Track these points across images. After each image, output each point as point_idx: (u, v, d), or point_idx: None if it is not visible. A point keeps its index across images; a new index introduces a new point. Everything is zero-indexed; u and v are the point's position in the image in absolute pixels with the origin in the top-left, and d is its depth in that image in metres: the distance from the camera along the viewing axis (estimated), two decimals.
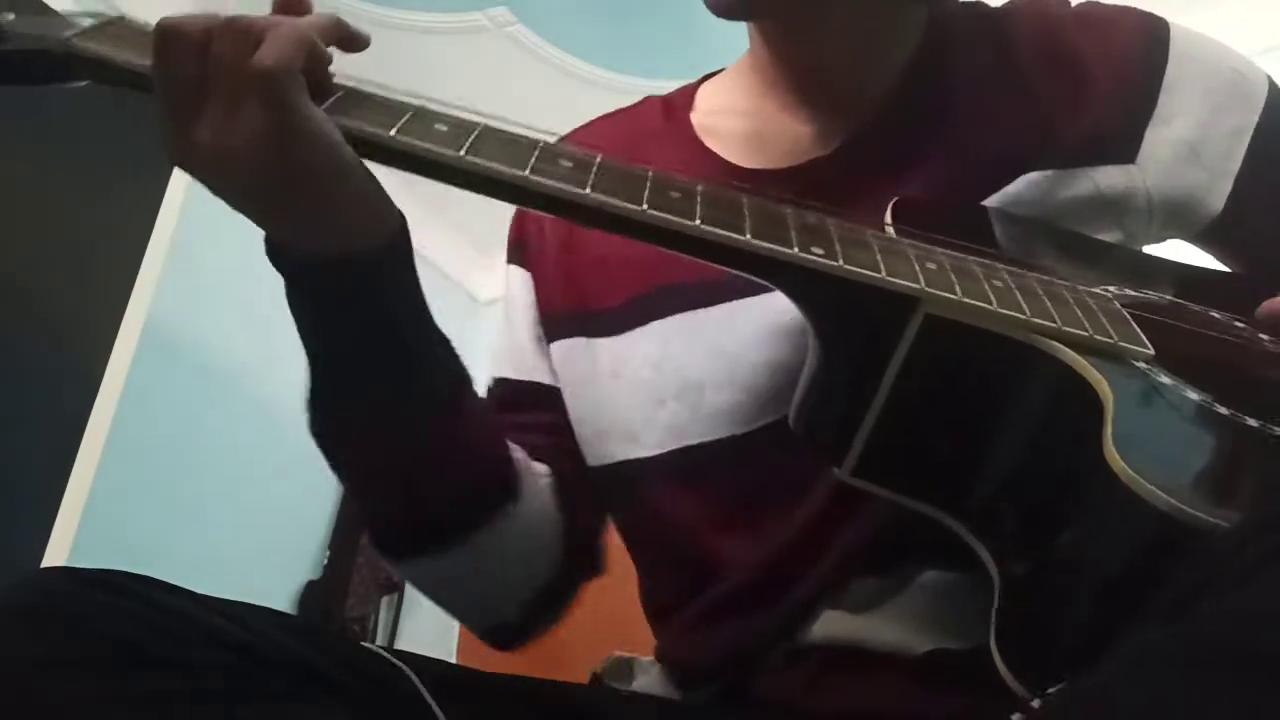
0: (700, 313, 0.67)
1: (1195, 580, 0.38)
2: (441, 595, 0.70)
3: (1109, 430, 0.47)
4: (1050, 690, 0.47)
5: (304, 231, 0.54)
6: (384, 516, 0.66)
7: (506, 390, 0.76)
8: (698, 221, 0.51)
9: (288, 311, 0.57)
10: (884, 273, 0.52)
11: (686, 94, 0.80)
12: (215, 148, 0.50)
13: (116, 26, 0.54)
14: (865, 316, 0.54)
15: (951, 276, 0.54)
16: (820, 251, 0.52)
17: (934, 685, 0.58)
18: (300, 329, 0.58)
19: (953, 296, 0.52)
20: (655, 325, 0.68)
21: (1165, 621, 0.37)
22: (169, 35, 0.49)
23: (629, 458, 0.67)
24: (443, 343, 0.61)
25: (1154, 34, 0.72)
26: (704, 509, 0.66)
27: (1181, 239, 0.73)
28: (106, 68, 0.52)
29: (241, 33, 0.50)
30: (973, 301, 0.52)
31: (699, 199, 0.52)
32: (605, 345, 0.70)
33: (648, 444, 0.67)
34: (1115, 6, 0.75)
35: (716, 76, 0.81)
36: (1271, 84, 0.73)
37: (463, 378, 0.63)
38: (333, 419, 0.62)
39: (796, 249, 0.51)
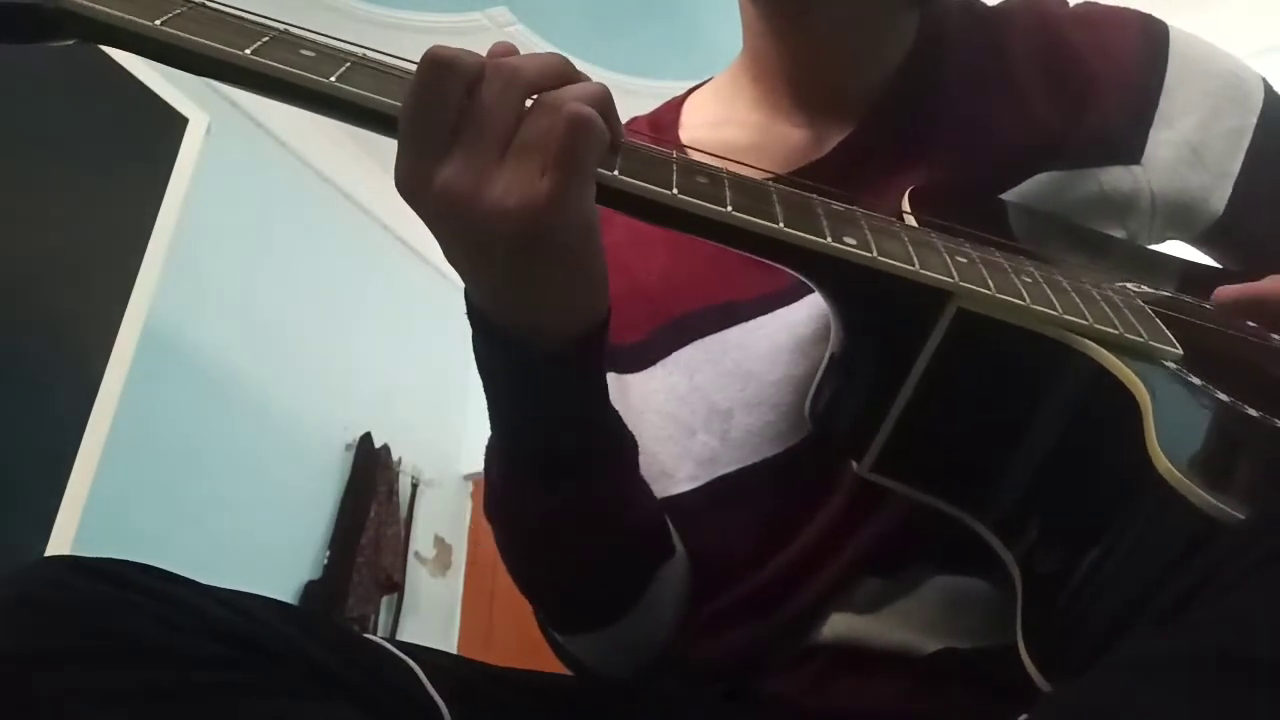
0: (718, 337, 0.66)
1: (1191, 583, 0.38)
2: (601, 659, 0.68)
3: (1152, 432, 0.46)
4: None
5: (512, 302, 0.51)
6: (557, 599, 0.65)
7: None
8: (728, 208, 0.49)
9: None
10: (917, 265, 0.51)
11: (672, 109, 0.79)
12: (459, 200, 0.46)
13: None
14: (896, 309, 0.53)
15: (983, 270, 0.53)
16: (853, 241, 0.51)
17: (942, 684, 0.58)
18: (489, 393, 0.56)
19: (986, 292, 0.51)
20: (677, 356, 0.68)
21: (1160, 624, 0.37)
22: (440, 69, 0.45)
23: (667, 495, 0.67)
24: (619, 422, 0.60)
25: (1154, 36, 0.73)
26: (733, 531, 0.65)
27: (1181, 240, 0.73)
28: (95, 25, 0.47)
29: (516, 82, 0.46)
30: (1006, 297, 0.52)
31: (727, 185, 0.51)
32: (632, 382, 0.69)
33: (681, 478, 0.66)
34: (1114, 8, 0.75)
35: (703, 88, 0.80)
36: (1267, 86, 0.74)
37: (634, 450, 0.62)
38: (516, 493, 0.60)
39: (829, 238, 0.50)
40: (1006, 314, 0.52)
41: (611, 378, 0.69)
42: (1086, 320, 0.52)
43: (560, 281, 0.50)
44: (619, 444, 0.60)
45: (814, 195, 0.54)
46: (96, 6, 0.46)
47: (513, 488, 0.60)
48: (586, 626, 0.65)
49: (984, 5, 0.75)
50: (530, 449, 0.57)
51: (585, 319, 0.53)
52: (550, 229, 0.47)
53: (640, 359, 0.69)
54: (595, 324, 0.53)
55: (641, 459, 0.65)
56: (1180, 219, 0.70)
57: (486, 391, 0.56)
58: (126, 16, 0.46)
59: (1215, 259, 0.75)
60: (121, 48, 0.47)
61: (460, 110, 0.46)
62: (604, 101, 0.48)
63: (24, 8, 0.46)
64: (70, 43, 0.48)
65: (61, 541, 1.91)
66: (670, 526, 0.65)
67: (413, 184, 0.47)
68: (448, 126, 0.46)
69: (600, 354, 0.55)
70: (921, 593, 0.60)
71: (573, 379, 0.54)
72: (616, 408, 0.67)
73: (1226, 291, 0.60)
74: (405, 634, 3.32)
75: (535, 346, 0.52)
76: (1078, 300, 0.54)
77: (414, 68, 0.46)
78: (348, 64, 0.48)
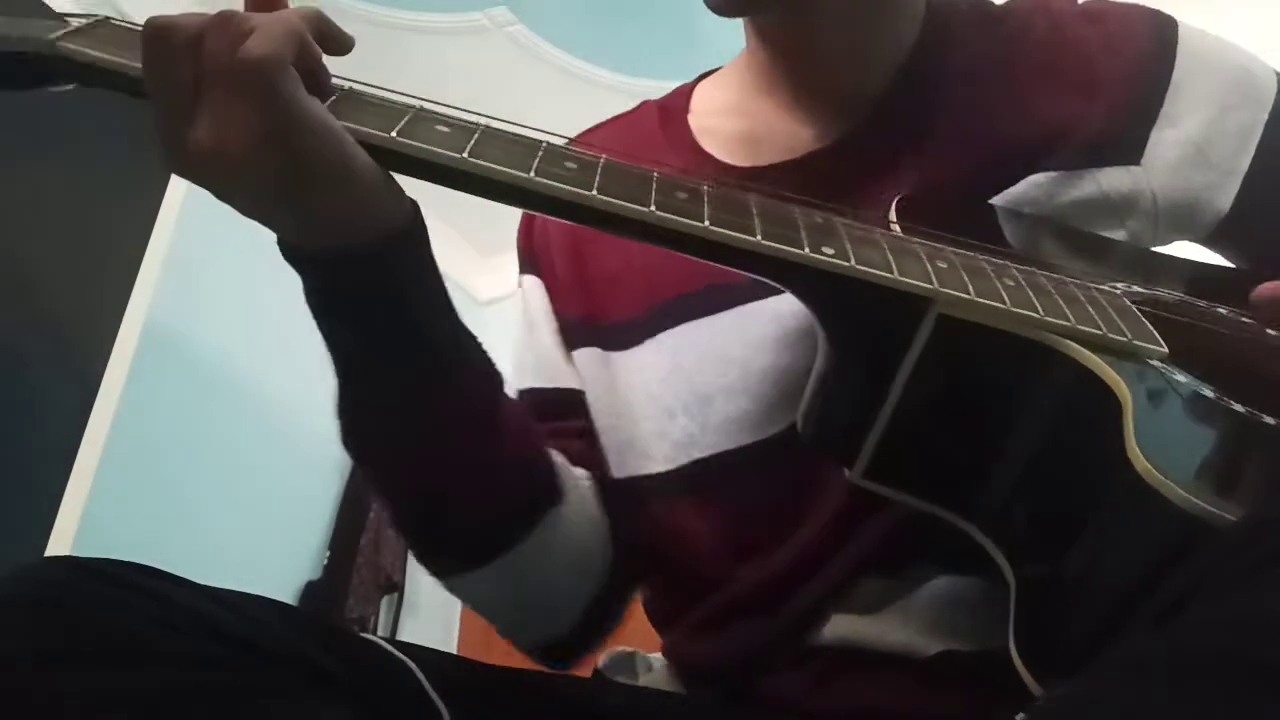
0: (708, 320, 0.66)
1: (1188, 583, 0.38)
2: (495, 611, 0.68)
3: (1130, 430, 0.46)
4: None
5: (312, 227, 0.52)
6: (428, 533, 0.64)
7: (535, 400, 0.74)
8: (706, 223, 0.50)
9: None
10: (896, 272, 0.51)
11: (682, 96, 0.79)
12: (213, 149, 0.47)
13: (104, 27, 0.52)
14: (877, 317, 0.54)
15: (963, 275, 0.53)
16: (831, 251, 0.51)
17: (942, 686, 0.58)
18: (322, 330, 0.57)
19: (966, 296, 0.52)
20: (664, 337, 0.68)
21: (1158, 624, 0.37)
22: (159, 35, 0.47)
23: (642, 473, 0.67)
24: (470, 340, 0.59)
25: (1162, 32, 0.72)
26: (715, 520, 0.65)
27: (1188, 240, 0.72)
28: (94, 70, 0.49)
29: (233, 28, 0.47)
30: (986, 301, 0.52)
31: (706, 199, 0.52)
32: (618, 359, 0.69)
33: (659, 459, 0.66)
34: (1123, 4, 0.74)
35: (713, 76, 0.80)
36: None
37: (493, 376, 0.61)
38: (363, 426, 0.59)
39: (807, 249, 0.51)
40: (987, 318, 0.52)
41: (598, 355, 0.70)
42: (1069, 321, 0.52)
43: (339, 192, 0.50)
44: (462, 360, 0.59)
45: (796, 206, 0.54)
46: (90, 52, 0.49)
47: (356, 413, 0.59)
48: (455, 565, 0.64)
49: (990, 2, 0.75)
50: (364, 369, 0.57)
51: (388, 218, 0.53)
52: (289, 154, 0.48)
53: (628, 338, 0.69)
54: (402, 220, 0.54)
55: (625, 435, 0.66)
56: (1184, 219, 0.69)
57: (322, 334, 0.57)
58: (118, 60, 0.49)
59: (1226, 258, 0.74)
60: (116, 90, 0.50)
61: (192, 73, 0.47)
62: (304, 25, 0.49)
63: (21, 55, 0.50)
64: (69, 87, 0.51)
65: (61, 541, 1.91)
66: (558, 471, 0.65)
67: (169, 154, 0.49)
68: (184, 90, 0.47)
69: (416, 252, 0.55)
70: (922, 594, 0.60)
71: (394, 278, 0.54)
72: (600, 385, 0.68)
73: (1268, 289, 0.60)
74: (405, 634, 3.32)
75: (350, 254, 0.52)
76: (1061, 302, 0.54)
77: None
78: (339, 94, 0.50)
